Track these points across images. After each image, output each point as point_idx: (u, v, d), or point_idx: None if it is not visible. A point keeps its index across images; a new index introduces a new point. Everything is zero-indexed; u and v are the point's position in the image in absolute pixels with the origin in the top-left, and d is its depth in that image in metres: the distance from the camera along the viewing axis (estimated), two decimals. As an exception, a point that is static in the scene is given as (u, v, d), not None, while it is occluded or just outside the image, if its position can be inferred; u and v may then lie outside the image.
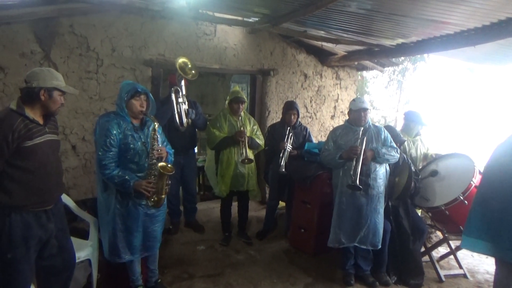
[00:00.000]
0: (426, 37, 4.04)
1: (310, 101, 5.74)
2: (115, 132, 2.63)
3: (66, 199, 3.09)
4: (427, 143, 4.17)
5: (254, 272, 3.61)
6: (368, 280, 3.45)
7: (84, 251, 2.90)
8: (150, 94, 2.83)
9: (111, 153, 2.62)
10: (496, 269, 2.64)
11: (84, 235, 3.13)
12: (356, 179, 3.17)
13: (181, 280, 3.39)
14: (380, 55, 4.92)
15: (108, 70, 3.94)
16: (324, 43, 5.10)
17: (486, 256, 3.90)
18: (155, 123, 2.76)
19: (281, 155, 4.02)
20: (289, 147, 4.04)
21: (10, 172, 2.08)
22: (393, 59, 5.92)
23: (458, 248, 3.90)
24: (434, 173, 3.79)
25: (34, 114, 2.17)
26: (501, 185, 2.46)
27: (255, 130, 4.06)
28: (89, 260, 2.97)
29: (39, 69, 2.24)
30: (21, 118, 2.10)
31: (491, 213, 2.50)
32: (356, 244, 3.37)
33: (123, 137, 2.67)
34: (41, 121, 2.21)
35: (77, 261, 2.61)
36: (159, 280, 3.17)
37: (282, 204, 4.60)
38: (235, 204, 4.27)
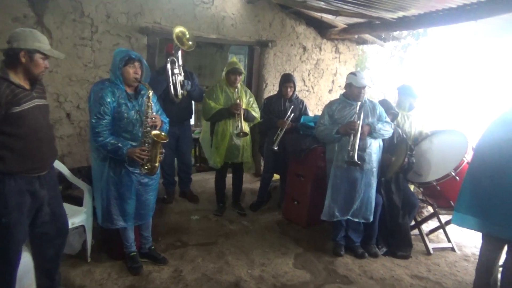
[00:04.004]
0: (428, 10, 3.96)
1: (308, 74, 5.67)
2: (109, 100, 2.61)
3: (60, 166, 3.10)
4: (423, 120, 4.14)
5: (246, 241, 3.68)
6: (358, 251, 3.53)
7: (78, 217, 2.94)
8: (144, 61, 2.79)
9: (105, 121, 2.61)
10: (482, 244, 2.70)
11: (79, 202, 3.16)
12: (355, 155, 3.16)
13: (174, 248, 3.46)
14: (381, 28, 4.83)
15: (103, 37, 3.87)
16: (324, 15, 4.99)
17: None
18: (149, 91, 2.73)
19: (278, 132, 4.02)
20: (288, 125, 4.04)
21: (1, 139, 2.05)
22: (395, 33, 5.81)
23: (447, 222, 3.96)
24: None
25: (18, 78, 2.09)
26: (491, 162, 2.48)
27: (251, 102, 4.03)
28: (83, 226, 3.02)
29: (21, 30, 2.11)
30: (6, 84, 2.02)
31: (481, 189, 2.53)
32: (349, 217, 3.42)
33: (117, 105, 2.65)
34: (27, 86, 2.14)
35: (71, 227, 2.65)
36: (153, 247, 3.23)
37: (276, 176, 4.63)
38: (230, 176, 4.30)
